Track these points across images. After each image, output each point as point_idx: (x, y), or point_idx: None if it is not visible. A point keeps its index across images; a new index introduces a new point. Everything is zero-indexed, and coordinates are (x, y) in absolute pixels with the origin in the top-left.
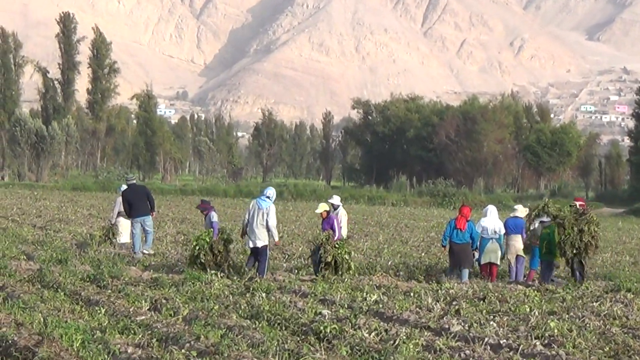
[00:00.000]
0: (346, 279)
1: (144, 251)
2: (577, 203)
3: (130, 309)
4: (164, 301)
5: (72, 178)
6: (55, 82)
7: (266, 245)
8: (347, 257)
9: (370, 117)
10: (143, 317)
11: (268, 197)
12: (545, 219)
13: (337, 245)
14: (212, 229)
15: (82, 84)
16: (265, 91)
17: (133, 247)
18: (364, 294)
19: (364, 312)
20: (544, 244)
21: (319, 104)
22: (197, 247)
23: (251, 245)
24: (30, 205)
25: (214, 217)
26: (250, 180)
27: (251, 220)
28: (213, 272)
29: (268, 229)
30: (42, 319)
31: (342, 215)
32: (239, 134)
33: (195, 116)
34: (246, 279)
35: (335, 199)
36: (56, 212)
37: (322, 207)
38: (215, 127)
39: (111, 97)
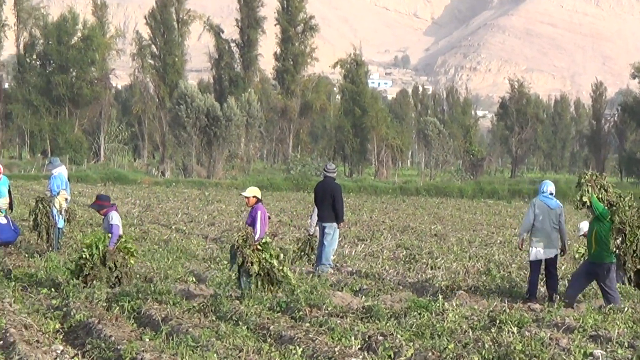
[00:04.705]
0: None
1: (320, 269)
2: None
3: (336, 349)
4: (380, 338)
5: (256, 173)
6: (232, 45)
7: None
8: (276, 264)
9: None
10: (353, 359)
11: (551, 194)
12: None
13: (259, 248)
14: (110, 234)
15: (267, 46)
16: (514, 55)
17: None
18: None
19: None
20: (592, 237)
21: (586, 72)
22: (84, 257)
23: (541, 255)
24: (200, 210)
25: (114, 218)
26: (495, 175)
27: (541, 224)
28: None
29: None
30: None
31: None
32: (479, 112)
33: (420, 89)
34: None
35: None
36: (235, 218)
37: (251, 192)
38: (447, 103)
39: (307, 64)
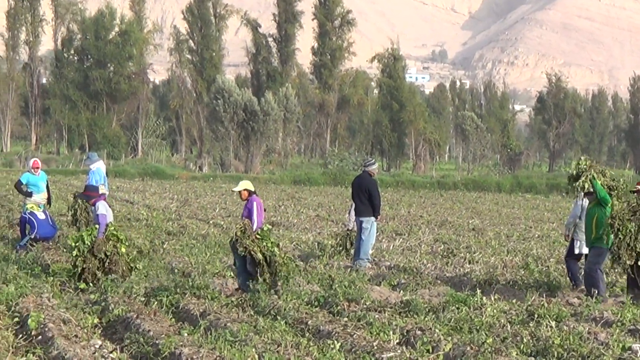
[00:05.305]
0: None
1: (358, 263)
2: None
3: (374, 343)
4: (418, 332)
5: (293, 168)
6: (270, 40)
7: None
8: (277, 251)
9: None
10: (391, 354)
11: None
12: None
13: (259, 236)
14: (97, 225)
15: (305, 41)
16: (551, 49)
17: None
18: None
19: None
20: (592, 223)
21: (624, 66)
22: (75, 254)
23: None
24: (238, 205)
25: (100, 208)
26: (532, 169)
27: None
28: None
29: None
30: (256, 356)
31: None
32: (517, 107)
33: (458, 83)
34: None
35: None
36: (273, 213)
37: (242, 185)
38: (484, 97)
39: (344, 58)
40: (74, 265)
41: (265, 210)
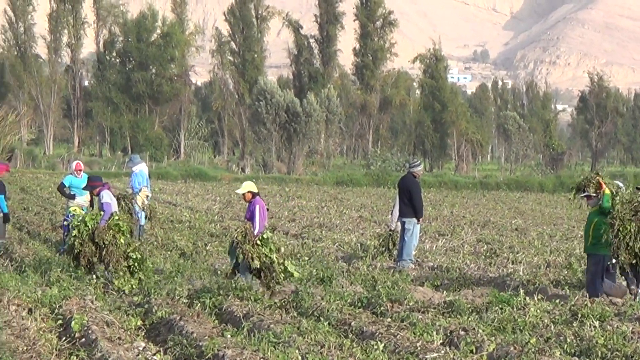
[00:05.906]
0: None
1: (401, 264)
2: None
3: (418, 344)
4: (462, 333)
5: (336, 169)
6: (311, 41)
7: None
8: (276, 258)
9: None
10: (435, 355)
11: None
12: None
13: (259, 243)
14: (102, 212)
15: (346, 42)
16: (593, 49)
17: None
18: None
19: None
20: (590, 229)
21: None
22: (74, 234)
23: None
24: (281, 206)
25: (105, 196)
26: (575, 168)
27: None
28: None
29: None
30: (300, 358)
31: None
32: (559, 106)
33: (500, 83)
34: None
35: None
36: (315, 214)
37: (246, 187)
38: (526, 97)
39: (386, 59)
40: (72, 247)
41: (268, 210)
